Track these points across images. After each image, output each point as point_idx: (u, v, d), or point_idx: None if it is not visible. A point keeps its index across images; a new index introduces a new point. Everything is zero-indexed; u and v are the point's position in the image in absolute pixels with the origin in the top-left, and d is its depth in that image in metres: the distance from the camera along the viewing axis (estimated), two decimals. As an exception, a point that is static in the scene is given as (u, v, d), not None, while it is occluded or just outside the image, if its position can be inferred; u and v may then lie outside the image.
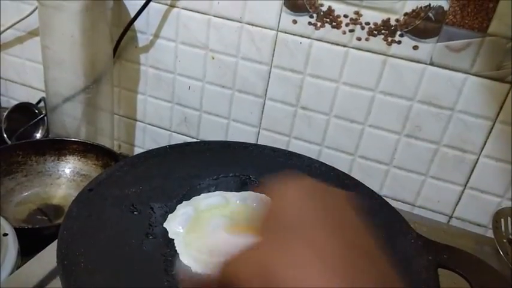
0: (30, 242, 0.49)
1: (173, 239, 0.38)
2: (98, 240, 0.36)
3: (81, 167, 0.68)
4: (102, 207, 0.39)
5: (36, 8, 0.70)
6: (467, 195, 0.62)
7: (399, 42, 0.58)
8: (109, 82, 0.71)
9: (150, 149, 0.50)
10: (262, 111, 0.69)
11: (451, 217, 0.65)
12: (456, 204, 0.64)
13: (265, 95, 0.68)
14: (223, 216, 0.42)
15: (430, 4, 0.55)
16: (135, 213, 0.40)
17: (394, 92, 0.61)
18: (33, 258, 0.40)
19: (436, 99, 0.59)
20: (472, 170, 0.61)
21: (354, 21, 0.59)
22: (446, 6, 0.55)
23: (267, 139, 0.70)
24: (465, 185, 0.62)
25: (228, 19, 0.65)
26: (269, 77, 0.66)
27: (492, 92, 0.57)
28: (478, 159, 0.60)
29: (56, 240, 0.41)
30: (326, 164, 0.52)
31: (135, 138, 0.80)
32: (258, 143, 0.71)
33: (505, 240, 0.52)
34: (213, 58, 0.68)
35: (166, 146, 0.50)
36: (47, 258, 0.39)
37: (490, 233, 0.60)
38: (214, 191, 0.46)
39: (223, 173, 0.48)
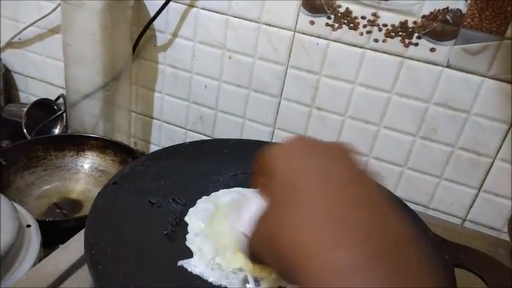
0: (50, 235, 0.50)
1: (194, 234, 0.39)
2: (122, 231, 0.37)
3: (99, 163, 0.69)
4: (126, 200, 0.40)
5: (58, 5, 0.72)
6: (481, 198, 0.62)
7: (416, 44, 0.58)
8: (127, 80, 0.72)
9: (169, 145, 0.51)
10: (278, 111, 0.70)
11: (464, 220, 0.65)
12: (470, 207, 0.64)
13: (281, 94, 0.68)
14: (242, 212, 0.43)
15: (448, 7, 0.56)
16: (157, 206, 0.41)
17: (410, 94, 0.61)
18: (59, 249, 0.42)
19: (452, 101, 0.59)
20: (487, 173, 0.61)
21: (372, 23, 0.59)
22: (464, 9, 0.55)
23: (281, 139, 0.71)
24: (479, 188, 0.62)
25: (245, 19, 0.66)
26: (285, 77, 0.67)
27: (508, 96, 0.57)
28: (493, 162, 0.60)
29: (80, 232, 0.42)
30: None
31: (151, 136, 0.81)
32: (273, 142, 0.71)
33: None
34: (230, 58, 0.69)
35: (186, 143, 0.51)
36: (72, 249, 0.40)
37: (504, 236, 0.60)
38: (232, 187, 0.47)
39: (241, 169, 0.49)
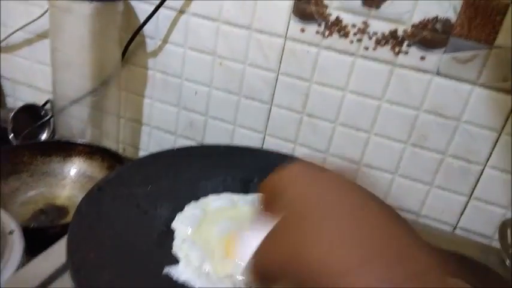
0: (35, 241, 0.49)
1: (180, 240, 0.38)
2: (106, 238, 0.36)
3: (86, 169, 0.68)
4: (111, 206, 0.39)
5: (46, 10, 0.71)
6: (472, 205, 0.62)
7: (406, 52, 0.59)
8: (116, 85, 0.71)
9: (157, 151, 0.50)
10: (268, 118, 0.69)
11: (455, 227, 0.65)
12: (461, 215, 0.64)
13: (272, 101, 0.68)
14: (230, 219, 0.42)
15: (437, 16, 0.56)
16: (143, 212, 0.40)
17: (401, 101, 0.61)
18: (40, 256, 0.40)
19: (442, 109, 0.59)
20: (477, 181, 0.61)
21: (362, 31, 0.60)
22: (453, 18, 0.55)
23: (272, 145, 0.70)
24: (470, 196, 0.62)
25: (236, 26, 0.65)
26: (276, 83, 0.67)
27: (498, 104, 0.57)
28: (483, 170, 0.60)
29: (63, 239, 0.41)
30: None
31: (140, 142, 0.80)
32: (263, 148, 0.71)
33: (511, 250, 0.52)
34: (221, 64, 0.68)
35: (173, 149, 0.50)
36: (54, 255, 0.39)
37: (494, 244, 0.60)
38: (221, 192, 0.46)
39: (229, 175, 0.48)
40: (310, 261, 0.22)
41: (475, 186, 0.61)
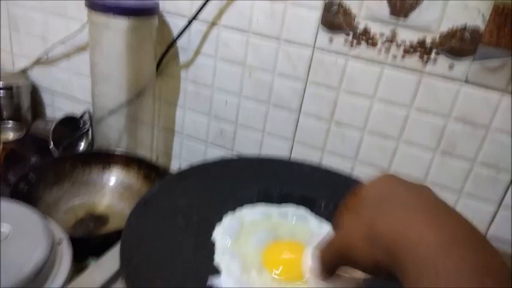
0: (79, 249, 0.52)
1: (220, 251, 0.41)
2: (153, 249, 0.38)
3: (124, 178, 0.71)
4: (156, 219, 0.42)
5: (84, 25, 0.75)
6: (501, 214, 0.62)
7: (435, 60, 0.59)
8: (151, 96, 0.75)
9: (195, 164, 0.52)
10: (297, 126, 0.71)
11: (485, 236, 0.65)
12: (490, 223, 0.64)
13: (300, 110, 0.70)
14: (266, 230, 0.44)
15: (466, 24, 0.57)
16: (185, 224, 0.43)
17: (429, 110, 0.62)
18: (93, 265, 0.43)
19: (471, 117, 0.60)
20: (507, 190, 0.61)
21: (390, 40, 0.61)
22: (482, 26, 0.56)
23: (300, 153, 0.72)
24: (500, 204, 0.62)
25: (266, 37, 0.67)
26: (304, 92, 0.68)
27: (528, 111, 0.57)
28: (513, 178, 0.61)
29: (112, 249, 0.44)
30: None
31: (173, 150, 0.83)
32: (292, 156, 0.72)
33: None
34: (251, 74, 0.71)
35: (210, 161, 0.52)
36: (105, 265, 0.42)
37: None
38: (255, 203, 0.48)
39: (264, 187, 0.50)
40: (389, 230, 0.25)
41: (505, 194, 0.61)
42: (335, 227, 0.31)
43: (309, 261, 0.36)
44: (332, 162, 0.70)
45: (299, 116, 0.70)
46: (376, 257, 0.26)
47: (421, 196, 0.27)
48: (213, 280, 0.37)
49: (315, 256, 0.32)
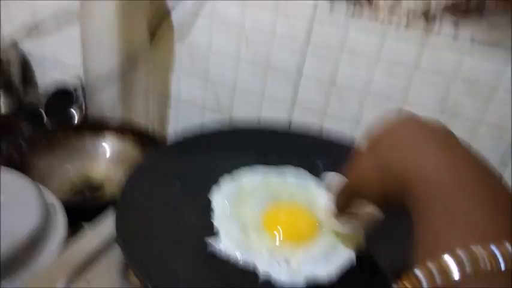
0: (74, 216, 0.51)
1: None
2: (150, 213, 0.37)
3: (119, 146, 0.69)
4: (152, 182, 0.41)
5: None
6: (505, 175, 0.61)
7: (440, 20, 0.57)
8: (145, 62, 0.72)
9: (192, 132, 0.51)
10: (297, 89, 0.69)
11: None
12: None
13: (300, 72, 0.67)
14: (265, 192, 0.43)
15: (472, -21, 0.54)
16: (181, 186, 0.41)
17: (434, 71, 0.60)
18: (87, 230, 0.42)
19: (477, 77, 0.58)
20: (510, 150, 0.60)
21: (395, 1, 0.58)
22: (489, -18, 0.53)
23: (300, 117, 0.70)
24: (503, 165, 0.61)
25: (262, -3, 0.64)
26: (305, 54, 0.66)
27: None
28: (519, 137, 0.59)
29: (106, 214, 0.43)
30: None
31: (169, 117, 0.81)
32: (292, 120, 0.71)
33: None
34: (248, 38, 0.68)
35: (208, 126, 0.51)
36: (101, 230, 0.41)
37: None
38: (254, 165, 0.47)
39: (262, 149, 0.49)
40: (400, 161, 0.25)
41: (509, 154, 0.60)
42: (348, 168, 0.31)
43: (323, 203, 0.37)
44: (332, 125, 0.68)
45: (299, 78, 0.68)
46: (387, 188, 0.26)
47: (437, 135, 0.27)
48: (213, 244, 0.36)
49: (331, 195, 0.33)
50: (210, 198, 0.41)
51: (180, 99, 0.79)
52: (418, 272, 0.20)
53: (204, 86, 0.75)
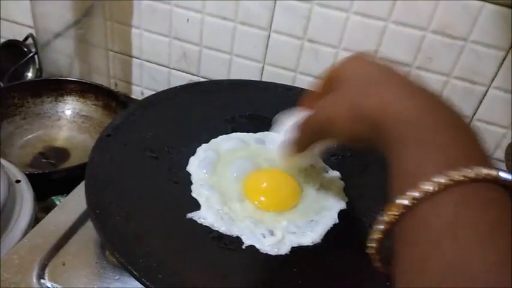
0: (40, 187, 0.48)
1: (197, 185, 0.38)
2: (123, 186, 0.35)
3: (81, 108, 0.65)
4: (123, 153, 0.38)
5: None
6: (473, 126, 0.63)
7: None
8: (100, 15, 0.66)
9: (160, 90, 0.48)
10: (267, 45, 0.66)
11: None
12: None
13: (270, 27, 0.64)
14: (243, 159, 0.41)
15: None
16: (155, 157, 0.39)
17: (407, 22, 0.58)
18: (57, 207, 0.40)
19: (450, 29, 0.57)
20: (481, 102, 0.61)
21: None
22: None
23: (271, 75, 0.68)
24: (472, 117, 0.62)
25: None
26: (274, 7, 0.62)
27: (508, 21, 0.55)
28: (487, 90, 0.60)
29: (77, 188, 0.40)
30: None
31: (132, 76, 0.77)
32: (263, 79, 0.68)
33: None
34: (214, -13, 0.63)
35: (177, 87, 0.48)
36: (72, 205, 0.39)
37: (501, 165, 0.61)
38: (231, 132, 0.45)
39: (237, 113, 0.47)
40: (374, 107, 0.26)
41: (478, 107, 0.61)
42: (309, 106, 0.32)
43: (281, 136, 0.36)
44: (306, 82, 0.66)
45: (269, 34, 0.65)
46: (360, 132, 0.27)
47: (397, 74, 0.28)
48: (193, 214, 0.35)
49: (293, 129, 0.33)
50: (187, 167, 0.39)
51: (142, 57, 0.74)
52: (400, 201, 0.21)
53: (169, 42, 0.70)
